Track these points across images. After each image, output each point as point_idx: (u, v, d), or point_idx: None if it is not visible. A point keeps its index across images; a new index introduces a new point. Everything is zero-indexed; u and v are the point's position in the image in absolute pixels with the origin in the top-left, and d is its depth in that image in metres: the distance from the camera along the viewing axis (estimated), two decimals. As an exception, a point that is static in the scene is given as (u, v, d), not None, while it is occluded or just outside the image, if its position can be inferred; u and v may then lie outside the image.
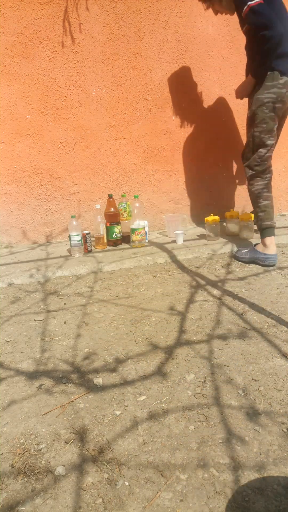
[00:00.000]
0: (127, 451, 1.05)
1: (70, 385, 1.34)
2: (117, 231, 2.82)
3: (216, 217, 2.80)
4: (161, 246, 2.76)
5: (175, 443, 1.06)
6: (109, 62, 2.85)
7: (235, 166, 3.33)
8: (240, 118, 3.28)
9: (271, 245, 2.32)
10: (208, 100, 3.15)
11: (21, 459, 1.04)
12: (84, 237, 2.67)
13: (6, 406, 1.25)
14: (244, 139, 3.07)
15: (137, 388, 1.29)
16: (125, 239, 2.92)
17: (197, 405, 1.20)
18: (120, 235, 2.85)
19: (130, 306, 1.91)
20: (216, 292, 2.01)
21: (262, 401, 1.20)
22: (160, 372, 1.37)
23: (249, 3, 2.00)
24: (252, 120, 2.32)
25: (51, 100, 2.79)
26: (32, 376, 1.40)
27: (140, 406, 1.21)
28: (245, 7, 2.01)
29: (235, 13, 2.21)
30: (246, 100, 3.24)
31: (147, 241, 2.91)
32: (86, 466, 1.01)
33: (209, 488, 0.93)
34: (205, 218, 2.81)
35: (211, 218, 2.79)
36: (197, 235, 3.00)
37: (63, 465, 1.01)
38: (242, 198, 3.39)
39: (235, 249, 2.64)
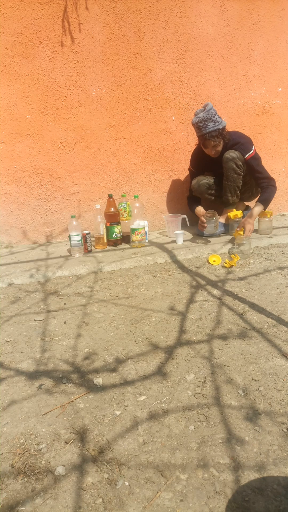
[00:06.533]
0: (127, 451, 1.05)
1: (70, 385, 1.34)
2: (117, 231, 2.82)
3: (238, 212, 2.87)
4: (161, 246, 2.75)
5: (175, 443, 1.06)
6: (109, 62, 2.85)
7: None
8: (240, 119, 3.28)
9: None
10: (208, 100, 3.15)
11: (21, 459, 1.04)
12: (84, 237, 2.67)
13: (6, 406, 1.25)
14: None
15: (137, 388, 1.29)
16: (125, 239, 2.92)
17: (197, 405, 1.20)
18: (120, 235, 2.85)
19: (130, 306, 1.91)
20: (216, 292, 2.01)
21: (262, 401, 1.20)
22: (160, 372, 1.37)
23: None
24: None
25: (51, 100, 2.79)
26: (32, 376, 1.40)
27: (140, 406, 1.21)
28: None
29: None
30: (245, 100, 3.25)
31: (147, 241, 2.91)
32: (86, 466, 1.01)
33: (209, 488, 0.93)
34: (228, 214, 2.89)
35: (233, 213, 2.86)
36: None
37: (63, 465, 1.01)
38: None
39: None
